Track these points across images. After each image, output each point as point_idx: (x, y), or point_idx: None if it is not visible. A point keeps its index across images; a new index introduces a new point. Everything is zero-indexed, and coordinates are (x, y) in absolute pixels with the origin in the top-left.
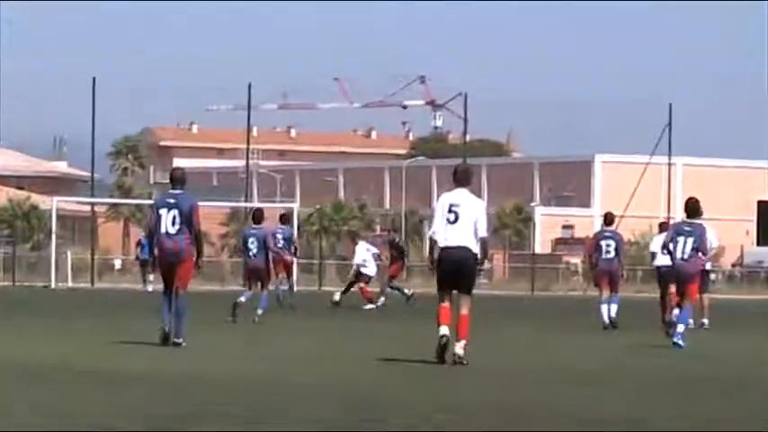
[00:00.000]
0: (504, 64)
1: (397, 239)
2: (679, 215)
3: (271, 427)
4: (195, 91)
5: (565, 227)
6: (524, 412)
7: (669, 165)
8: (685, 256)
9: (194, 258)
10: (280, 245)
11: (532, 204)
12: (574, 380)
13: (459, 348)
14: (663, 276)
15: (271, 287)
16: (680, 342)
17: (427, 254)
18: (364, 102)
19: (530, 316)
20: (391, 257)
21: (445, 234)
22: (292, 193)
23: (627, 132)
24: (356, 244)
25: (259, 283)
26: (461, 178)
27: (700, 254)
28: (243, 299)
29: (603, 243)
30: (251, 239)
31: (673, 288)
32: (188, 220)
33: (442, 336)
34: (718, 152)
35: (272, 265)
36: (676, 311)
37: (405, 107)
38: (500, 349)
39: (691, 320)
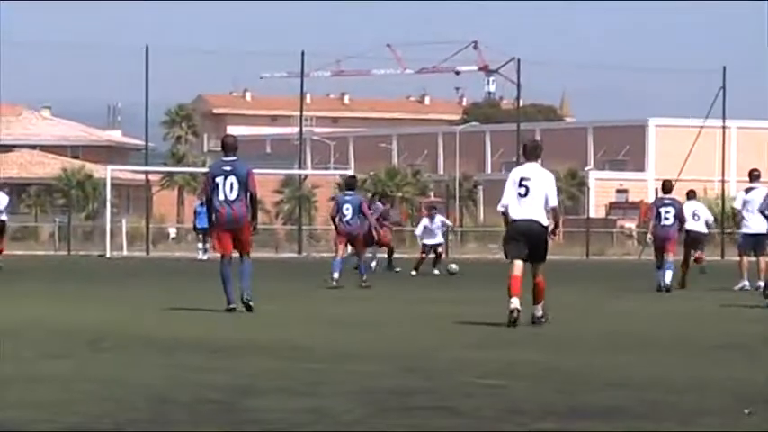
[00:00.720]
0: (556, 28)
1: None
2: (733, 178)
3: (329, 401)
4: (249, 58)
5: (619, 191)
6: (576, 377)
7: (723, 128)
8: None
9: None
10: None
11: (586, 169)
12: (626, 345)
13: (537, 311)
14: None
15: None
16: None
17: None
18: (417, 68)
19: (586, 279)
20: (381, 224)
21: (517, 207)
22: (346, 160)
23: (681, 96)
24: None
25: (351, 248)
26: (531, 153)
27: None
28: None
29: (663, 210)
30: (345, 206)
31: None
32: (245, 186)
33: (513, 309)
34: None
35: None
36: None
37: (458, 73)
38: (557, 313)
39: (747, 282)
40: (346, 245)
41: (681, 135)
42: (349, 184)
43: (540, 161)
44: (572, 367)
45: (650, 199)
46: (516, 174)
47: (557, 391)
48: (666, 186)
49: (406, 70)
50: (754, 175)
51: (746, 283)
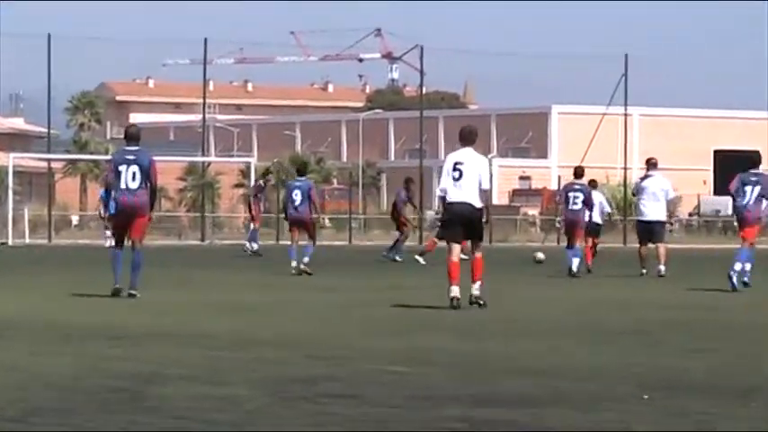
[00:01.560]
0: (460, 15)
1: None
2: (636, 165)
3: (233, 389)
4: (152, 46)
5: (522, 178)
6: (482, 364)
7: (625, 115)
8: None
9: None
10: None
11: (489, 156)
12: (532, 332)
13: (475, 290)
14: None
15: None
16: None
17: (436, 208)
18: (321, 55)
19: (491, 266)
20: (258, 206)
21: (452, 190)
22: (249, 148)
23: (583, 84)
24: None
25: (305, 234)
26: (466, 138)
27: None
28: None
29: (572, 195)
30: (295, 191)
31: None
32: (147, 175)
33: (453, 297)
34: (675, 102)
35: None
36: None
37: (361, 60)
38: (465, 300)
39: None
40: (298, 231)
41: (583, 122)
42: (299, 169)
43: (474, 146)
44: (479, 354)
45: (553, 186)
46: (451, 159)
47: (463, 379)
48: (578, 172)
49: (310, 57)
50: (651, 164)
51: (644, 270)
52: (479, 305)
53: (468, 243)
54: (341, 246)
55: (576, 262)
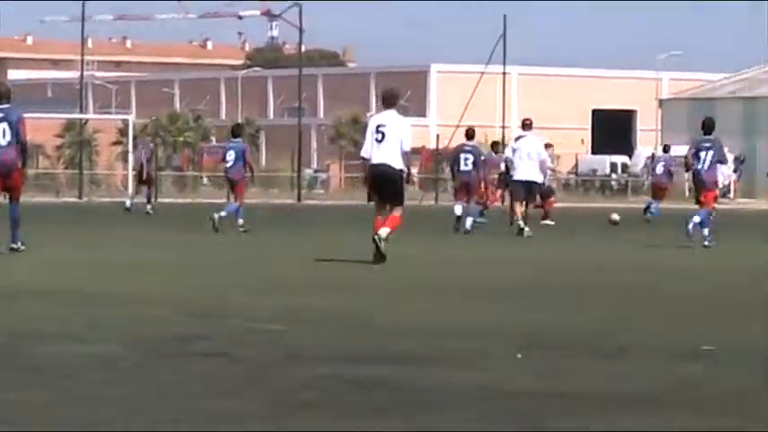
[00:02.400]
0: None
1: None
2: (514, 124)
3: (108, 347)
4: (30, 2)
5: None
6: (361, 323)
7: (504, 74)
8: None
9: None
10: None
11: (369, 114)
12: (414, 291)
13: (382, 231)
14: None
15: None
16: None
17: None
18: (200, 12)
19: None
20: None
21: (374, 152)
22: (128, 105)
23: (463, 43)
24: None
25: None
26: (387, 101)
27: None
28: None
29: (462, 156)
30: (229, 152)
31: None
32: (16, 132)
33: (376, 235)
34: (555, 61)
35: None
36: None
37: (240, 18)
38: (346, 257)
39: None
40: (232, 190)
41: (462, 81)
42: (234, 130)
43: (396, 108)
44: (358, 313)
45: (431, 145)
46: (374, 121)
47: (340, 337)
48: (469, 133)
49: (189, 15)
50: (525, 125)
51: (520, 224)
52: (385, 241)
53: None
54: (220, 203)
55: (469, 221)
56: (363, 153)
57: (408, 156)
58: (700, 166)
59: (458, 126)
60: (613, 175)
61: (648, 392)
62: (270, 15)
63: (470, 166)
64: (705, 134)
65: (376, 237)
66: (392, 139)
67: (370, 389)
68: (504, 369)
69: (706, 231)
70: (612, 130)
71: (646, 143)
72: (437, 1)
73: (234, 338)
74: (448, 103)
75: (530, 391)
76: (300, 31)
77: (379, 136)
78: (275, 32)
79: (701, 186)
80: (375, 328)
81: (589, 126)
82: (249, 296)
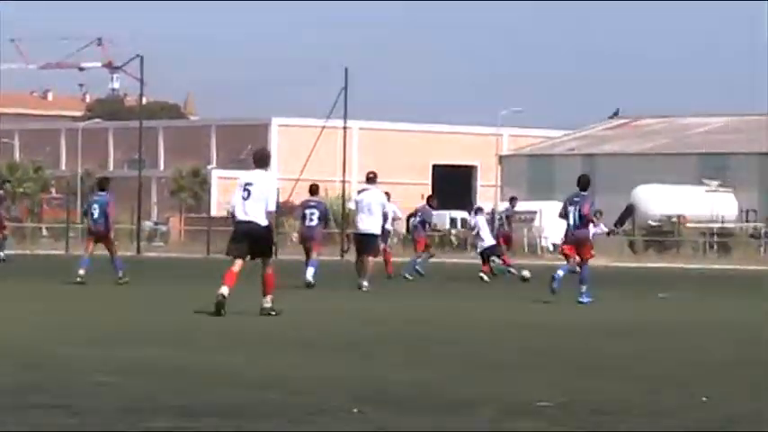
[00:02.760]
0: (183, 26)
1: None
2: (355, 179)
3: None
4: None
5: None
6: (193, 375)
7: (345, 128)
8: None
9: None
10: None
11: (209, 167)
12: (248, 343)
13: (266, 303)
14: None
15: None
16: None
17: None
18: (41, 63)
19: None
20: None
21: (240, 209)
22: None
23: (305, 97)
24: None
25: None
26: (258, 161)
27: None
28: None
29: (308, 211)
30: (93, 205)
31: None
32: None
33: (219, 294)
34: (396, 116)
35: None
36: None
37: (82, 69)
38: (179, 309)
39: (365, 282)
40: (94, 243)
41: (303, 135)
42: (100, 184)
43: (268, 168)
44: (190, 365)
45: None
46: (242, 178)
47: (174, 390)
48: (313, 189)
49: (30, 65)
50: (369, 178)
51: (364, 283)
52: (271, 314)
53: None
54: (58, 254)
55: (310, 272)
56: (230, 207)
57: (272, 215)
58: (571, 222)
59: (298, 180)
60: (453, 231)
61: None
62: (111, 67)
63: (315, 221)
64: (581, 190)
65: (264, 311)
66: (258, 198)
67: None
68: (340, 424)
69: (584, 288)
70: (453, 185)
71: (486, 199)
72: (279, 53)
73: (71, 390)
74: (289, 156)
75: None
76: (141, 82)
77: (246, 194)
78: (116, 84)
79: (572, 242)
80: (206, 381)
81: (429, 181)
82: (84, 348)
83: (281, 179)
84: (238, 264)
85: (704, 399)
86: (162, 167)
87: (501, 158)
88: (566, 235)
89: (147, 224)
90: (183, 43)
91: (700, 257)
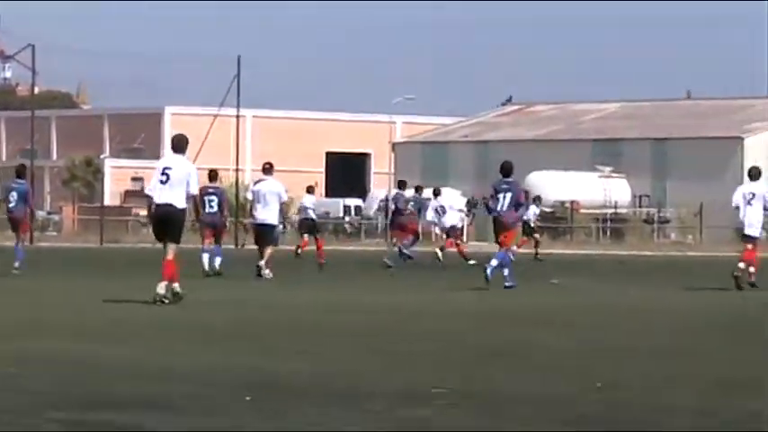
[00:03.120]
0: (76, 16)
1: None
2: (248, 167)
3: None
4: None
5: (134, 179)
6: (92, 365)
7: (238, 117)
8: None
9: None
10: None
11: (102, 156)
12: (141, 334)
13: (160, 288)
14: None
15: None
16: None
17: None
18: None
19: (101, 267)
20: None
21: (158, 193)
22: None
23: (199, 85)
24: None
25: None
26: (176, 146)
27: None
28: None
29: (207, 198)
30: (12, 193)
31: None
32: None
33: (156, 294)
34: (291, 105)
35: None
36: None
37: None
38: (68, 299)
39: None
40: (14, 230)
41: (197, 123)
42: (18, 171)
43: (186, 153)
44: (89, 357)
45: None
46: (161, 163)
47: (74, 382)
48: (211, 175)
49: None
50: (265, 168)
51: (267, 271)
52: (164, 302)
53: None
54: None
55: (213, 260)
56: (148, 191)
57: (195, 199)
58: (499, 208)
59: None
60: (347, 218)
61: None
62: (3, 57)
63: (215, 208)
64: (504, 177)
65: (158, 297)
66: (177, 182)
67: None
68: (233, 413)
69: (506, 272)
70: (347, 172)
71: (380, 186)
72: (171, 42)
73: None
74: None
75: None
76: (33, 72)
77: (164, 178)
78: (8, 74)
79: (501, 227)
80: (104, 372)
81: (323, 168)
82: None
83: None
84: (169, 249)
85: (598, 385)
86: (54, 157)
87: (394, 146)
88: (494, 221)
89: (41, 214)
90: (75, 33)
91: (593, 243)
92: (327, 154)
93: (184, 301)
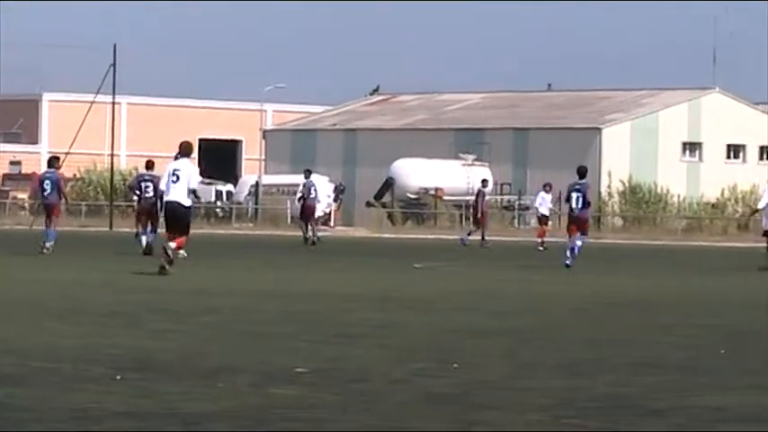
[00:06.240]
0: None
1: None
2: (123, 153)
3: None
4: None
5: (12, 163)
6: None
7: (113, 104)
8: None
9: None
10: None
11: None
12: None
13: (170, 246)
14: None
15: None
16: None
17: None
18: None
19: None
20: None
21: (168, 191)
22: None
23: (76, 72)
24: None
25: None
26: (183, 152)
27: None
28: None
29: (143, 185)
30: (46, 181)
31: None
32: None
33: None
34: (166, 92)
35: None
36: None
37: None
38: None
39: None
40: (48, 215)
41: (74, 110)
42: (50, 162)
43: (190, 157)
44: None
45: (43, 170)
46: (170, 166)
47: None
48: (148, 164)
49: None
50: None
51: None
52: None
53: None
54: None
55: (144, 240)
56: (162, 187)
57: (195, 191)
58: (574, 206)
59: (68, 153)
60: (218, 203)
61: (239, 414)
62: None
63: (151, 193)
64: (580, 178)
65: (167, 251)
66: (182, 181)
67: None
68: (103, 390)
69: (568, 252)
70: (219, 159)
71: (250, 172)
72: (48, 29)
73: None
74: (59, 130)
75: (125, 411)
76: None
77: (175, 178)
78: None
79: (577, 222)
80: None
81: (196, 155)
82: None
83: (50, 152)
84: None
85: (455, 365)
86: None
87: (265, 133)
88: (569, 216)
89: None
90: None
91: (456, 229)
92: (200, 140)
93: (57, 282)
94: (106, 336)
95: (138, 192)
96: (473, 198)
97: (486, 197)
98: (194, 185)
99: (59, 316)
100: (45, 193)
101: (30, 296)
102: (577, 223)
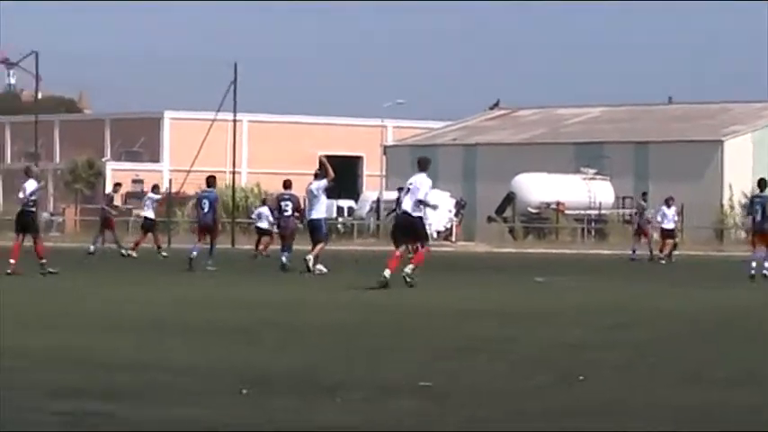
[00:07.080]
0: (77, 23)
1: None
2: (244, 170)
3: None
4: None
5: (135, 181)
6: (80, 359)
7: (234, 121)
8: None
9: None
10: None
11: (104, 159)
12: (131, 328)
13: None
14: None
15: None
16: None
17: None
18: None
19: (97, 267)
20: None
21: (401, 202)
22: None
23: (197, 90)
24: None
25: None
26: (420, 165)
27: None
28: (194, 253)
29: (283, 203)
30: (204, 201)
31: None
32: None
33: (383, 276)
34: (286, 109)
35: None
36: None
37: None
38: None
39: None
40: (203, 235)
41: (195, 127)
42: (208, 182)
43: (426, 171)
44: (81, 348)
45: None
46: (408, 180)
47: (72, 373)
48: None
49: None
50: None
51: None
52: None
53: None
54: None
55: (284, 258)
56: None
57: (421, 203)
58: (758, 217)
59: (189, 171)
60: (340, 219)
61: (365, 428)
62: (7, 63)
63: (290, 212)
64: (761, 191)
65: (383, 278)
66: (415, 193)
67: (97, 424)
68: (226, 405)
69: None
70: (340, 174)
71: (372, 187)
72: (171, 50)
73: None
74: (180, 148)
75: (243, 423)
76: (36, 78)
77: (407, 191)
78: (13, 80)
79: (759, 231)
80: (94, 363)
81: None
82: None
83: (172, 170)
84: (401, 249)
85: (581, 378)
86: (58, 160)
87: (385, 149)
88: (754, 227)
89: (44, 215)
90: (77, 39)
91: (577, 243)
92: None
93: (177, 299)
94: (225, 351)
95: (277, 211)
96: (596, 212)
97: (645, 210)
98: (421, 196)
99: (182, 332)
100: (203, 213)
101: (151, 313)
102: (762, 234)
